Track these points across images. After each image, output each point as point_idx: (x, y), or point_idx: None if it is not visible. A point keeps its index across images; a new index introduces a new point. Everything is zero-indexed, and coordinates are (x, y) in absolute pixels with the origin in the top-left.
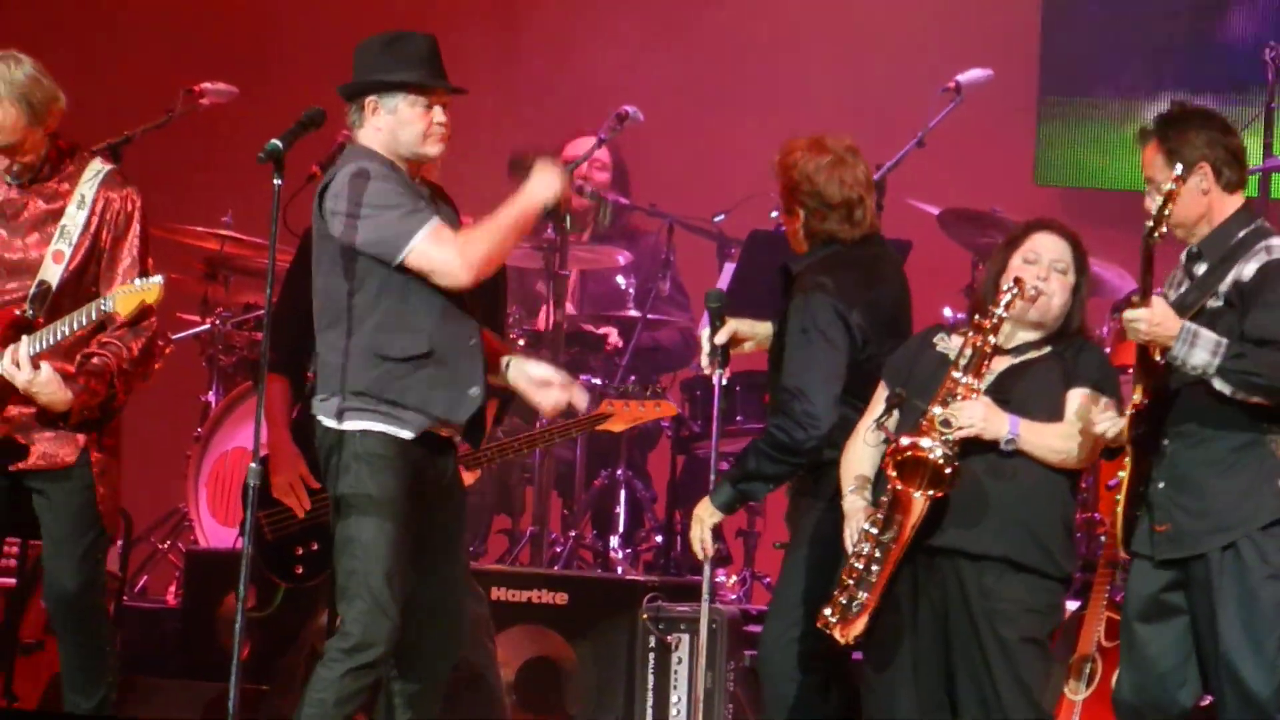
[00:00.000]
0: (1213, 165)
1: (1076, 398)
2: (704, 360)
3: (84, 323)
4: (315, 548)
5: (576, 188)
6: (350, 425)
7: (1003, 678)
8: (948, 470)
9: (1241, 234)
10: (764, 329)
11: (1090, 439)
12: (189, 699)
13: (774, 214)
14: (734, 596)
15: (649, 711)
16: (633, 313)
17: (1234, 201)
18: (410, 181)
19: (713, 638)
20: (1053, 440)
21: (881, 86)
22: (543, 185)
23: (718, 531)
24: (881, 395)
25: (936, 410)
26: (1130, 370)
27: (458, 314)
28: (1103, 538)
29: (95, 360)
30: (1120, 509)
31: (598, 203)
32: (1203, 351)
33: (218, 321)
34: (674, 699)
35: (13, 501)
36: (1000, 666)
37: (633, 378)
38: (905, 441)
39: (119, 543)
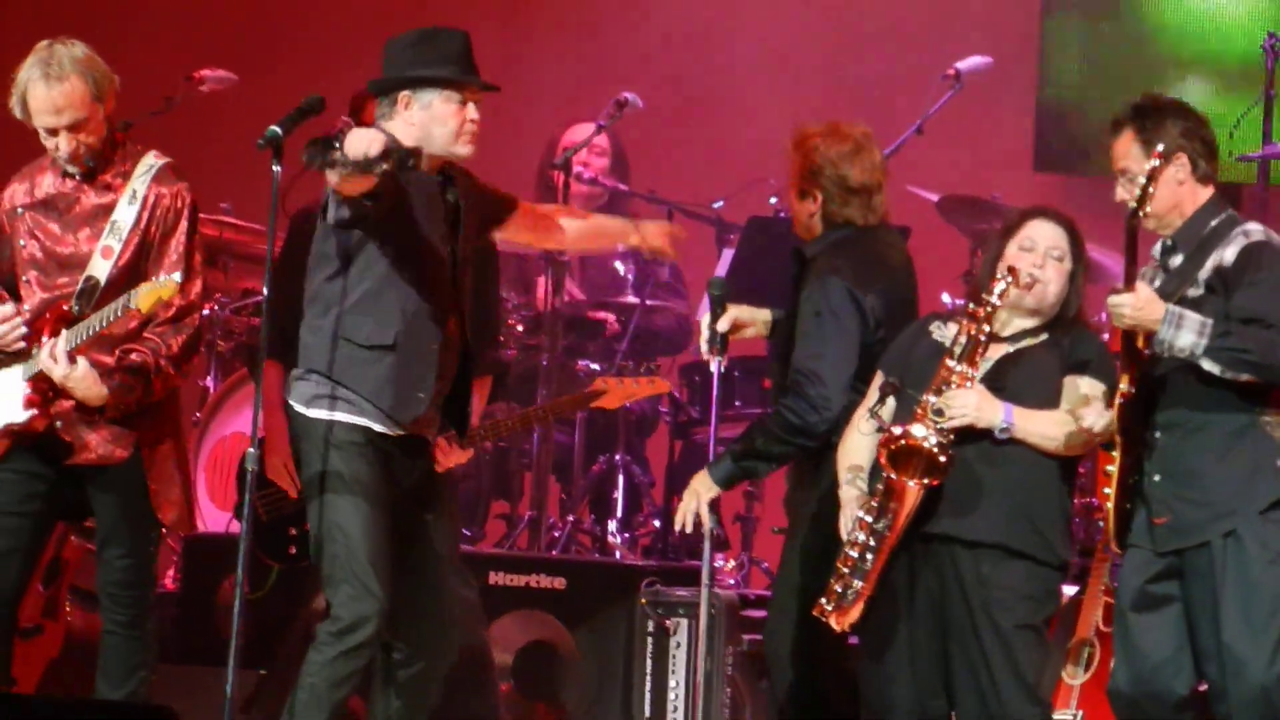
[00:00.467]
0: (1189, 156)
1: (1072, 385)
2: (703, 346)
3: (111, 319)
4: (308, 528)
5: (575, 174)
6: (318, 413)
7: (999, 665)
8: (942, 459)
9: (1214, 223)
10: (764, 315)
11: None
12: (187, 683)
13: (773, 200)
14: (732, 581)
15: (647, 696)
16: (631, 298)
17: (1206, 193)
18: (423, 176)
19: (711, 623)
20: (1047, 428)
21: (880, 73)
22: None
23: (715, 514)
24: (878, 383)
25: (931, 399)
26: None
27: (429, 314)
28: (1101, 523)
29: (134, 356)
30: (1112, 503)
31: (598, 189)
32: (1189, 333)
33: (216, 308)
34: (672, 684)
35: (61, 492)
36: (996, 653)
37: (630, 362)
38: (898, 430)
39: None
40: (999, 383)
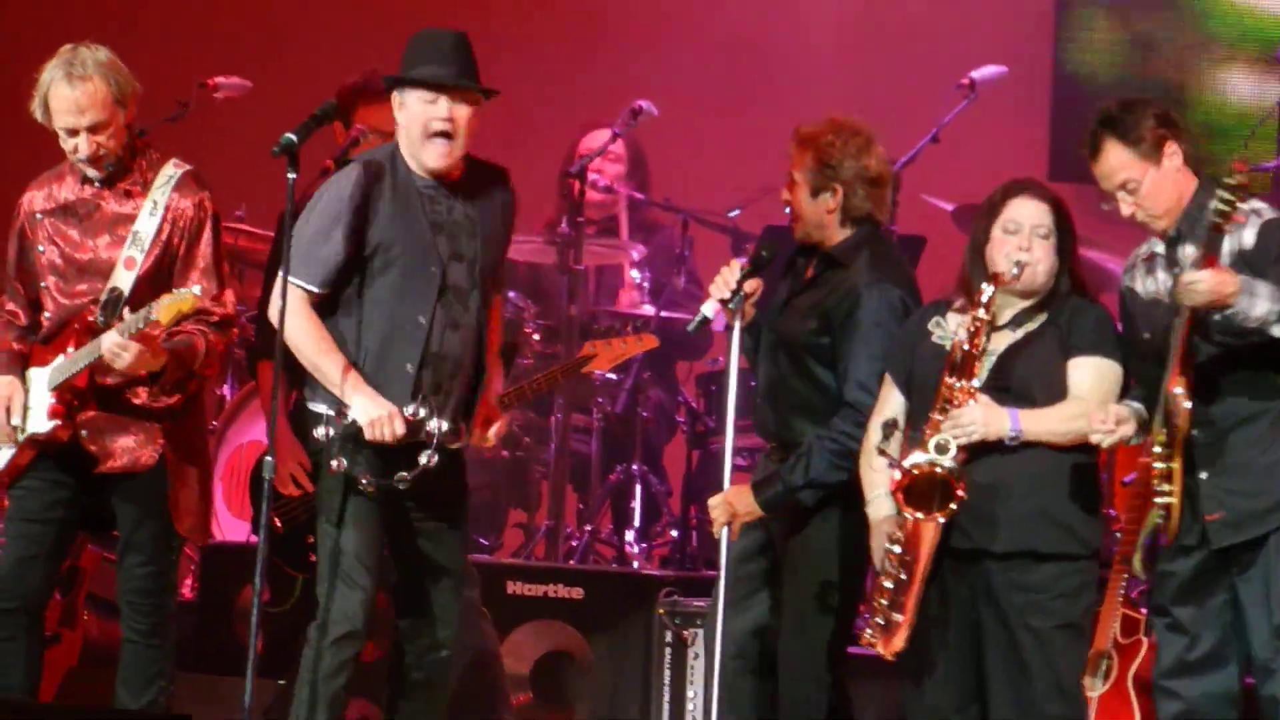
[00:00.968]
0: (1177, 143)
1: (1075, 369)
2: (721, 294)
3: (133, 331)
4: None
5: (590, 181)
6: (317, 408)
7: (1038, 668)
8: (958, 490)
9: (1212, 205)
10: None
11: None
12: (205, 692)
13: (788, 210)
14: None
15: (665, 707)
16: (647, 308)
17: (1193, 178)
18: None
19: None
20: (1056, 425)
21: (894, 82)
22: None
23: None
24: (889, 393)
25: (935, 419)
26: None
27: (406, 335)
28: (1117, 534)
29: (182, 336)
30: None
31: (613, 196)
32: (1265, 301)
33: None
34: (690, 694)
35: (83, 500)
36: (1035, 657)
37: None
38: (908, 464)
39: None
40: (1003, 382)
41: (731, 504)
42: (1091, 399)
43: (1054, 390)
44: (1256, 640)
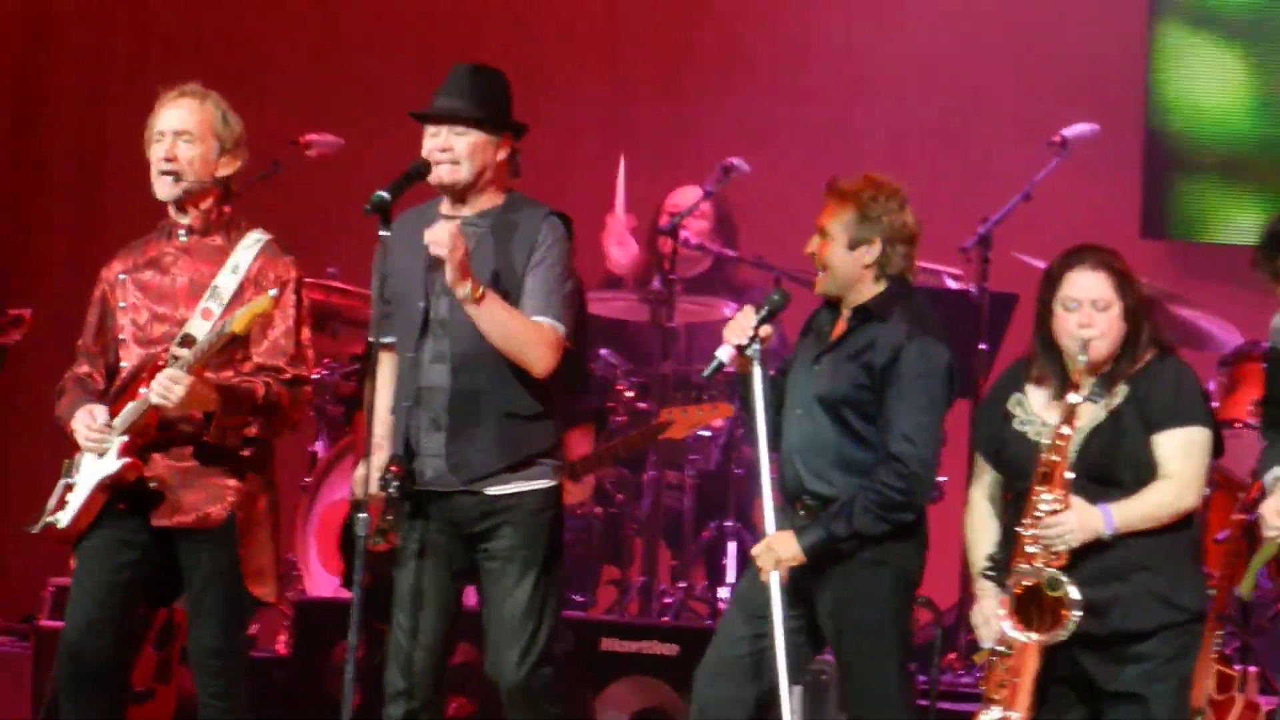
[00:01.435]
0: None
1: (1160, 446)
2: (724, 351)
3: (206, 348)
4: None
5: (682, 240)
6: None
7: None
8: (1066, 619)
9: None
10: None
11: (1190, 480)
12: None
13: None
14: None
15: None
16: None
17: None
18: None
19: (821, 688)
20: (1149, 510)
21: (986, 141)
22: None
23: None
24: (983, 468)
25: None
26: (1236, 424)
27: (405, 369)
28: (1211, 591)
29: (244, 382)
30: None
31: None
32: None
33: (325, 372)
34: None
35: (151, 561)
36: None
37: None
38: (1011, 582)
39: None
40: (1092, 473)
41: (774, 549)
42: (1182, 479)
43: (1141, 471)
44: None
